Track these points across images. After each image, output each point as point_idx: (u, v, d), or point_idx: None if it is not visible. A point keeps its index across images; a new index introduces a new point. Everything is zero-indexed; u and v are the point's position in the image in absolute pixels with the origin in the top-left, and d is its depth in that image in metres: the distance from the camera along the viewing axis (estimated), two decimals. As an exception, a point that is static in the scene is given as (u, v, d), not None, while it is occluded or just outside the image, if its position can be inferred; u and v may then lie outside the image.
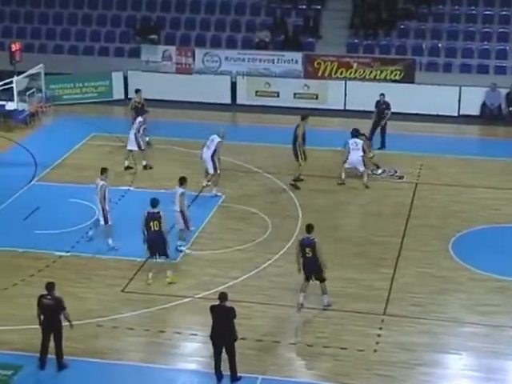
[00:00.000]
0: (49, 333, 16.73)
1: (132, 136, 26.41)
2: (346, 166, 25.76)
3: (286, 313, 18.91)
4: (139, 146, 26.49)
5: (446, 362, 17.45)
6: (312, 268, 18.60)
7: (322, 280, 18.76)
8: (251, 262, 21.14)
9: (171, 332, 18.21)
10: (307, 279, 18.73)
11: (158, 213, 19.98)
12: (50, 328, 16.71)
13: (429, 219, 23.55)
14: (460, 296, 19.70)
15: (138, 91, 28.91)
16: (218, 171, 24.65)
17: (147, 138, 27.39)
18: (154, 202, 20.05)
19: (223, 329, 16.20)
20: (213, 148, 24.62)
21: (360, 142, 25.85)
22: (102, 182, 21.49)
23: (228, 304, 16.31)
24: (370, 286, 20.05)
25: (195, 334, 18.03)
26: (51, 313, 16.66)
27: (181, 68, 34.43)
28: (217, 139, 24.64)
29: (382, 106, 28.51)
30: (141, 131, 26.43)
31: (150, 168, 26.61)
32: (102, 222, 21.53)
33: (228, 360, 16.34)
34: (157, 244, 19.97)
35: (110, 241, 21.64)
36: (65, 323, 16.87)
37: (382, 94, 28.60)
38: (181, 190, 21.18)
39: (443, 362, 17.42)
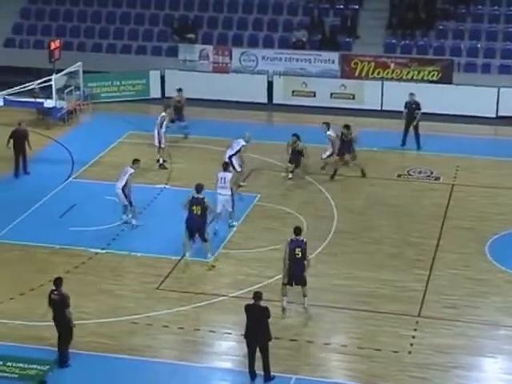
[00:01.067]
0: (57, 328, 16.93)
1: (155, 132, 26.71)
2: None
3: (319, 313, 18.88)
4: (159, 142, 26.67)
5: (481, 365, 17.33)
6: (298, 271, 18.45)
7: (304, 284, 18.66)
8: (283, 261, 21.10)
9: (206, 330, 18.26)
10: (290, 284, 18.64)
11: (203, 199, 20.63)
12: (57, 323, 16.89)
13: (465, 221, 23.38)
14: (496, 299, 19.54)
15: (179, 90, 29.11)
16: (239, 169, 24.66)
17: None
18: (199, 188, 20.74)
19: (257, 328, 16.21)
20: (236, 149, 24.59)
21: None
22: (131, 170, 22.44)
23: (262, 303, 16.32)
24: (405, 288, 19.96)
25: (229, 333, 18.06)
26: (57, 308, 16.85)
27: (218, 67, 34.48)
28: (242, 142, 24.63)
29: (412, 106, 28.30)
30: (163, 127, 26.54)
31: (165, 168, 26.65)
32: (127, 204, 22.55)
33: (261, 359, 16.35)
34: (197, 228, 20.67)
35: (134, 221, 22.62)
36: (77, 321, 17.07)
37: (412, 94, 28.39)
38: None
39: (478, 364, 17.30)
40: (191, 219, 20.63)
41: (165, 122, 26.74)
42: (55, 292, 16.96)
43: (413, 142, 28.38)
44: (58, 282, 17.10)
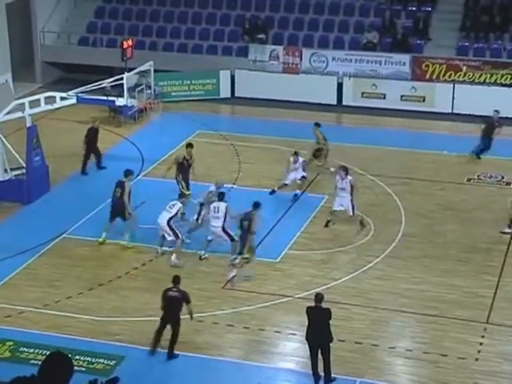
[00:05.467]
0: (166, 324, 17.09)
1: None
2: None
3: (385, 316, 18.76)
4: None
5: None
6: None
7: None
8: (352, 263, 21.05)
9: (271, 330, 18.28)
10: None
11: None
12: (170, 320, 17.04)
13: None
14: None
15: (189, 146, 24.54)
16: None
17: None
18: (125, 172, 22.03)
19: (319, 330, 16.16)
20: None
21: None
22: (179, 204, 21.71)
23: (324, 305, 16.26)
24: (473, 293, 19.71)
25: (294, 334, 18.04)
26: (175, 305, 16.99)
27: (288, 68, 34.49)
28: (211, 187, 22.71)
29: (495, 124, 27.60)
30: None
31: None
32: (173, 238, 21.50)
33: (323, 361, 16.29)
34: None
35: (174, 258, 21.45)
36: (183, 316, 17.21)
37: (496, 111, 27.68)
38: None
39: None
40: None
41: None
42: (174, 289, 17.14)
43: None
44: (176, 279, 17.34)
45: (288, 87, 33.50)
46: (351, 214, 22.26)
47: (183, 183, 23.45)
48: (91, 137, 26.76)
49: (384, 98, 33.10)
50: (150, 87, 32.61)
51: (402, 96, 32.89)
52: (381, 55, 33.80)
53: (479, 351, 17.48)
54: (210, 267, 20.88)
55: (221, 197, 21.26)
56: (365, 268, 20.81)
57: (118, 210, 21.99)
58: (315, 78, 33.73)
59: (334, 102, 33.40)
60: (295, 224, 22.86)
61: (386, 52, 33.99)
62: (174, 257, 20.98)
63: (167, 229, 20.93)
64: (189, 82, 34.39)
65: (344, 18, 36.02)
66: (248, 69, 34.37)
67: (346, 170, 22.48)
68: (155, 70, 32.65)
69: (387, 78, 33.37)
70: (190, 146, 24.21)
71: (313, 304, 16.39)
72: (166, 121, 31.77)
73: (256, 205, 20.81)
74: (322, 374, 16.38)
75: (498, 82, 32.41)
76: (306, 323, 16.35)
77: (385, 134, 28.53)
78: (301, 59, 34.35)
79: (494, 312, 18.89)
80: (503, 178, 26.22)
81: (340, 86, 33.52)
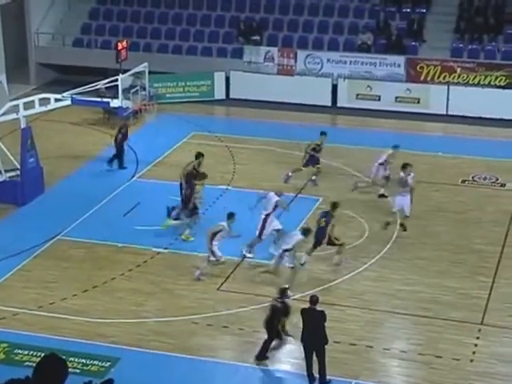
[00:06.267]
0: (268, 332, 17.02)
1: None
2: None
3: (379, 317, 18.77)
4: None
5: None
6: None
7: None
8: (347, 265, 21.03)
9: (265, 332, 18.23)
10: None
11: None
12: (268, 329, 17.00)
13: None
14: None
15: (200, 156, 23.92)
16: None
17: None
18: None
19: (313, 332, 16.16)
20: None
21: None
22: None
23: (318, 308, 16.26)
24: (468, 295, 19.73)
25: (290, 336, 18.02)
26: (275, 316, 16.91)
27: (282, 69, 34.51)
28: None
29: None
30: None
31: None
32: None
33: (318, 363, 16.28)
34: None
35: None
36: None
37: None
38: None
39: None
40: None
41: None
42: (279, 299, 16.94)
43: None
44: (283, 291, 17.09)
45: (283, 89, 33.51)
46: (407, 214, 22.41)
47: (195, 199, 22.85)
48: (124, 133, 27.00)
49: (379, 99, 33.14)
50: (144, 89, 32.58)
51: (396, 97, 32.93)
52: (375, 57, 33.83)
53: (474, 352, 17.50)
54: (207, 269, 20.84)
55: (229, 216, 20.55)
56: (360, 269, 20.82)
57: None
58: (310, 80, 33.74)
59: (329, 104, 33.42)
60: (290, 225, 22.82)
61: (381, 53, 34.02)
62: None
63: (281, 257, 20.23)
64: (183, 84, 34.39)
65: (338, 20, 36.05)
66: (243, 70, 34.38)
67: (408, 165, 22.54)
68: (150, 72, 32.60)
69: (382, 79, 33.41)
70: (201, 155, 23.63)
71: (308, 306, 16.39)
72: (161, 122, 31.75)
73: (334, 205, 20.91)
74: (316, 375, 16.37)
75: (493, 83, 32.45)
76: (301, 325, 16.35)
77: (379, 135, 28.51)
78: (295, 61, 34.37)
79: (488, 313, 18.90)
80: (497, 179, 26.25)
81: (335, 88, 33.55)
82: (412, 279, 20.38)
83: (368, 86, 33.26)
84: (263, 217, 21.29)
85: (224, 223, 20.29)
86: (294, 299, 19.20)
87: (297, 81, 33.85)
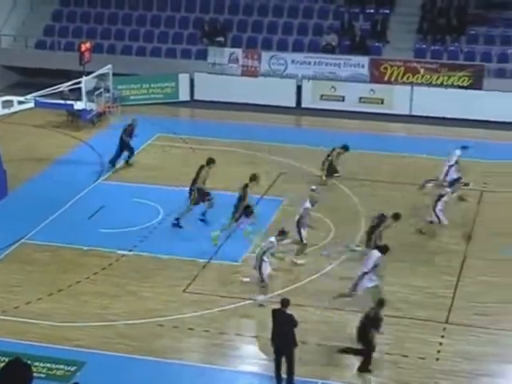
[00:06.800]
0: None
1: None
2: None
3: (347, 317, 18.78)
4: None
5: (510, 373, 17.16)
6: None
7: None
8: (312, 265, 21.07)
9: (232, 334, 18.24)
10: None
11: None
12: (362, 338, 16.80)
13: (495, 227, 23.20)
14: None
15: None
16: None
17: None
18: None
19: (282, 334, 16.12)
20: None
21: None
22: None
23: (289, 311, 16.20)
24: (434, 294, 19.83)
25: (255, 337, 18.04)
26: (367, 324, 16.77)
27: (247, 71, 34.50)
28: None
29: None
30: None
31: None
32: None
33: (286, 365, 16.25)
34: None
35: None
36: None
37: None
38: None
39: (507, 373, 17.14)
40: None
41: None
42: (373, 309, 16.81)
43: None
44: (381, 301, 16.92)
45: (247, 90, 33.51)
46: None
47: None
48: (129, 133, 26.92)
49: (343, 100, 33.26)
50: (108, 91, 32.42)
51: (360, 98, 33.07)
52: (339, 58, 33.95)
53: (439, 351, 17.60)
54: (169, 270, 20.77)
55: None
56: (325, 270, 20.85)
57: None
58: (274, 81, 33.78)
59: (294, 105, 33.47)
60: (256, 227, 22.82)
61: (345, 54, 34.14)
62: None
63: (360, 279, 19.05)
64: (148, 86, 34.26)
65: (303, 21, 36.12)
66: (207, 72, 34.33)
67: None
68: (114, 74, 32.47)
69: (346, 80, 33.53)
70: (212, 162, 23.35)
71: (278, 307, 16.35)
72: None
73: (396, 216, 20.87)
74: (284, 376, 16.35)
75: (455, 84, 32.69)
76: (270, 325, 16.33)
77: (344, 136, 28.58)
78: (260, 62, 34.38)
79: (453, 312, 19.02)
80: (461, 179, 26.35)
81: (299, 89, 33.61)
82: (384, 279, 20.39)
83: (332, 87, 33.37)
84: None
85: (273, 239, 19.43)
86: (262, 299, 19.23)
87: (261, 82, 33.87)
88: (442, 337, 18.11)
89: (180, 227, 22.60)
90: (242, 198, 21.84)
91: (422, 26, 34.86)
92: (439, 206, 22.58)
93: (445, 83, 32.82)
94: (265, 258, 19.35)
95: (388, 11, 35.77)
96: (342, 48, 34.67)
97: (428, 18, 35.01)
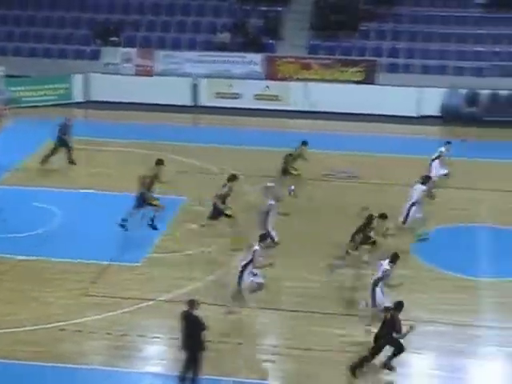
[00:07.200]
0: None
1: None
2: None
3: (250, 314, 18.86)
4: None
5: (407, 361, 17.49)
6: None
7: None
8: (213, 263, 21.09)
9: (134, 335, 18.10)
10: None
11: None
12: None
13: (392, 220, 23.55)
14: (423, 295, 19.79)
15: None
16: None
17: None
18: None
19: (190, 336, 15.99)
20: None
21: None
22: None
23: (196, 313, 16.05)
24: (332, 286, 20.03)
25: (158, 337, 17.95)
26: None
27: (141, 70, 34.30)
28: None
29: None
30: None
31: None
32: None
33: (192, 368, 16.13)
34: None
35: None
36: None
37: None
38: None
39: (405, 361, 17.45)
40: None
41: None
42: (390, 309, 16.53)
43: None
44: (400, 304, 16.54)
45: (143, 90, 33.31)
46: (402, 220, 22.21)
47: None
48: (64, 132, 26.56)
49: (239, 97, 33.39)
50: (1, 93, 31.73)
51: (256, 95, 33.27)
52: (234, 55, 34.09)
53: (342, 343, 17.81)
54: (70, 274, 20.47)
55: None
56: (227, 267, 20.87)
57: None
58: (169, 80, 33.67)
59: (190, 103, 33.43)
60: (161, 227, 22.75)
61: (239, 52, 34.28)
62: None
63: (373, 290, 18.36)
64: (40, 87, 33.68)
65: (196, 19, 36.12)
66: (101, 72, 33.97)
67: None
68: (6, 76, 31.81)
69: (241, 77, 33.67)
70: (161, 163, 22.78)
71: (186, 309, 16.19)
72: (19, 127, 30.96)
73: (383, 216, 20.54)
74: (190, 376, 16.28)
75: (349, 79, 33.21)
76: (172, 325, 16.29)
77: (241, 133, 28.75)
78: (154, 61, 34.21)
79: (354, 304, 19.23)
80: (353, 172, 26.75)
81: (195, 87, 33.59)
82: (279, 274, 20.54)
83: (228, 85, 33.47)
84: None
85: (256, 246, 18.77)
86: (161, 300, 19.17)
87: (156, 81, 33.74)
88: (344, 328, 18.32)
89: (125, 229, 22.23)
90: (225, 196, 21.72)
91: (315, 22, 35.27)
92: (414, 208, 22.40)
93: (339, 79, 33.30)
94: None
95: (281, 8, 36.06)
96: (235, 46, 34.77)
97: (321, 14, 35.44)
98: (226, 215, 21.96)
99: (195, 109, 33.36)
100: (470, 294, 19.92)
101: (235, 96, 33.43)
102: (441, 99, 32.52)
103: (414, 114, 32.46)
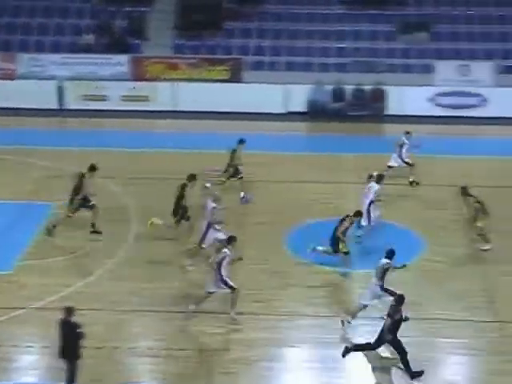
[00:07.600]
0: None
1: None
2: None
3: (125, 317, 18.72)
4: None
5: (284, 355, 17.74)
6: None
7: None
8: (86, 268, 20.85)
9: (7, 345, 17.67)
10: None
11: None
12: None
13: (263, 216, 23.84)
14: (296, 289, 20.05)
15: None
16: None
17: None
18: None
19: (66, 344, 15.69)
20: None
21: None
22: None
23: (74, 320, 15.77)
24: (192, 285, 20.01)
25: (31, 346, 17.60)
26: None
27: (4, 74, 33.52)
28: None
29: None
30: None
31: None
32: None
33: (67, 374, 15.87)
34: None
35: None
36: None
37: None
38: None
39: (282, 355, 17.69)
40: None
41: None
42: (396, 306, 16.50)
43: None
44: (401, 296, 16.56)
45: (5, 94, 32.55)
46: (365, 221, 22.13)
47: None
48: None
49: (106, 99, 33.07)
50: None
51: (123, 96, 33.04)
52: (99, 57, 33.74)
53: (224, 341, 17.87)
54: None
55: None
56: (99, 271, 20.66)
57: None
58: (33, 83, 32.98)
59: (56, 107, 32.87)
60: (25, 233, 22.26)
61: (105, 53, 33.93)
62: None
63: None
64: None
65: (59, 21, 35.53)
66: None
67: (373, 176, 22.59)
68: None
69: (107, 79, 33.35)
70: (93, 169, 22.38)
71: (63, 316, 15.86)
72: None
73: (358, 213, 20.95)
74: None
75: (216, 78, 33.36)
76: (45, 333, 16.06)
77: (108, 135, 28.43)
78: (17, 64, 33.50)
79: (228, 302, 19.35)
80: (226, 171, 26.76)
81: (60, 90, 33.04)
82: (155, 276, 20.44)
83: (94, 87, 33.10)
84: None
85: (226, 249, 18.43)
86: (33, 308, 18.79)
87: (19, 85, 33.00)
88: (220, 327, 18.37)
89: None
90: (180, 197, 21.51)
91: (179, 22, 35.27)
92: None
93: (206, 77, 33.41)
94: (223, 273, 18.34)
95: (145, 8, 35.88)
96: (101, 47, 34.39)
97: (185, 13, 35.45)
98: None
99: (61, 112, 32.81)
100: (339, 287, 20.29)
101: (102, 98, 33.07)
102: (307, 95, 33.02)
103: (282, 111, 32.85)
